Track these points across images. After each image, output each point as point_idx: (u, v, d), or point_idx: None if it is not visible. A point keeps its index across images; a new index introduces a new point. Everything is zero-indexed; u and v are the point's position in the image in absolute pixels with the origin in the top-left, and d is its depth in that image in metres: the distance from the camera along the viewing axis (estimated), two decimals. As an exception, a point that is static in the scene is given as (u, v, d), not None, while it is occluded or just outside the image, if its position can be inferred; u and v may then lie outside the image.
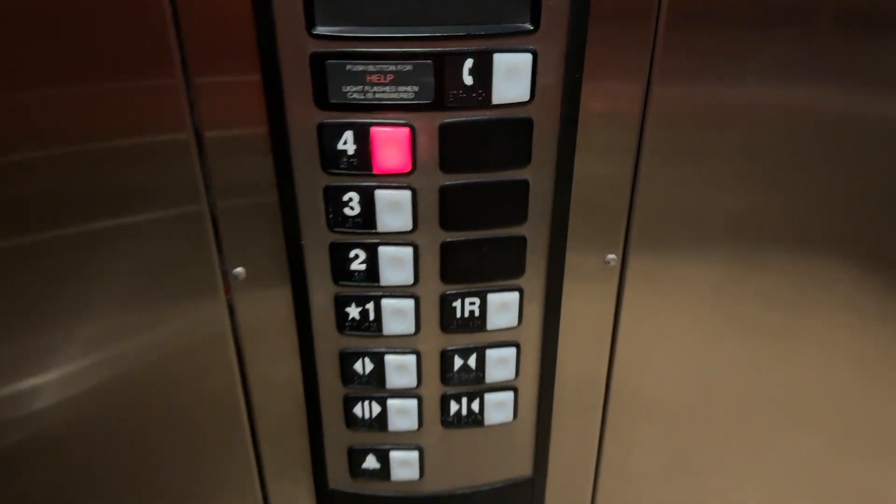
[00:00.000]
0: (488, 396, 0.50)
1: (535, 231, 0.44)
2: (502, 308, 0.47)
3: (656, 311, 0.50)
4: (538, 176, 0.42)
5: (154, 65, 0.39)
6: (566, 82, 0.40)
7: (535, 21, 0.37)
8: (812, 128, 0.45)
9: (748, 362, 0.53)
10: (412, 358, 0.48)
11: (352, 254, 0.44)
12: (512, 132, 0.41)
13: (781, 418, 0.56)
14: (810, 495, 0.60)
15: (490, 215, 0.43)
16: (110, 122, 0.41)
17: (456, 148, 0.41)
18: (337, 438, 0.52)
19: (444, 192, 0.42)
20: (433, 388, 0.50)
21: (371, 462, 0.52)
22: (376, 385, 0.49)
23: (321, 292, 0.46)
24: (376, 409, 0.50)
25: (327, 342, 0.48)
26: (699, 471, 0.58)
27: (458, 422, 0.51)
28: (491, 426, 0.52)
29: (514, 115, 0.40)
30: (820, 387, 0.55)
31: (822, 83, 0.44)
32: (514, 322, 0.48)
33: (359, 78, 0.38)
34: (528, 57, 0.38)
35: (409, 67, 0.38)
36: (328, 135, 0.40)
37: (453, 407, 0.50)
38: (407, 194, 0.42)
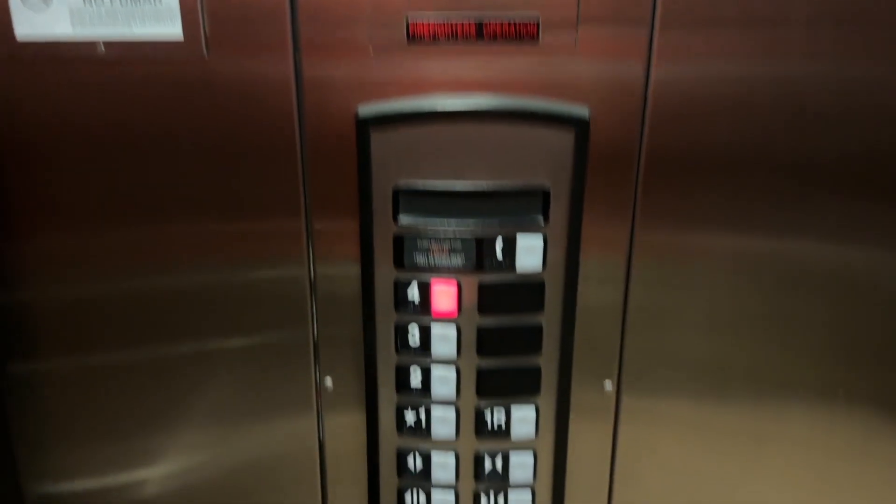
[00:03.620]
0: (511, 494, 0.63)
1: (547, 361, 0.60)
2: (522, 421, 0.61)
3: (648, 427, 0.63)
4: (549, 320, 0.58)
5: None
6: (568, 256, 0.57)
7: (546, 217, 0.55)
8: (766, 273, 0.58)
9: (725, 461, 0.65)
10: (452, 458, 0.62)
11: (411, 372, 0.60)
12: (530, 290, 0.57)
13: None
14: None
15: (514, 348, 0.59)
16: (241, 257, 0.58)
17: (490, 299, 0.57)
18: (390, 523, 0.65)
19: (480, 330, 0.58)
20: (468, 485, 0.63)
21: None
22: (424, 479, 0.63)
23: (387, 401, 0.61)
24: (423, 499, 0.64)
25: (388, 440, 0.62)
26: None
27: (486, 516, 0.64)
28: (513, 522, 0.64)
29: (531, 278, 0.57)
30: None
31: (782, 233, 0.57)
32: (532, 432, 0.62)
33: (425, 250, 0.56)
34: (541, 240, 0.56)
35: (459, 244, 0.56)
36: (401, 287, 0.57)
37: (483, 502, 0.63)
38: (453, 330, 0.58)
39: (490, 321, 0.58)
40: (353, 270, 0.58)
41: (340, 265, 0.58)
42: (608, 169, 0.55)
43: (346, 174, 0.55)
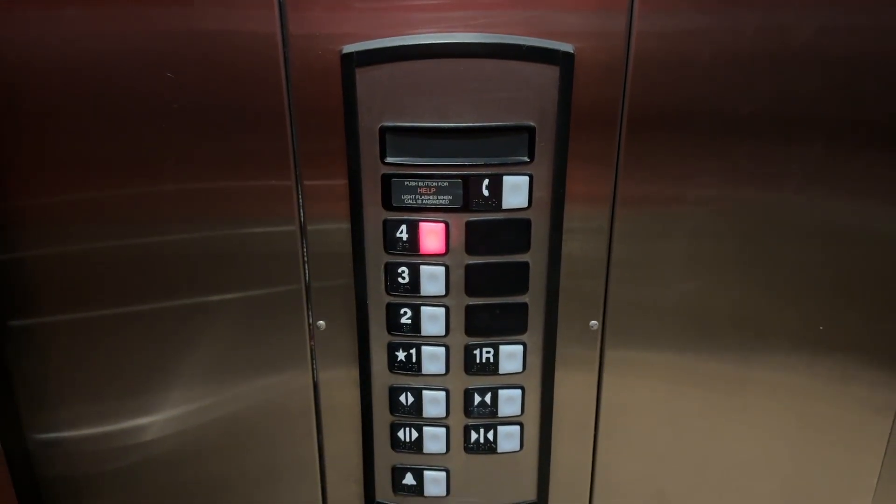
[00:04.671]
0: (500, 428, 0.65)
1: (534, 299, 0.61)
2: (510, 357, 0.63)
3: (632, 366, 0.65)
4: (535, 259, 0.59)
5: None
6: (553, 195, 0.57)
7: (531, 155, 0.56)
8: (748, 219, 0.59)
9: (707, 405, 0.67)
10: (442, 393, 0.64)
11: (402, 311, 0.61)
12: (516, 228, 0.58)
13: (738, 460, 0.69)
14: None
15: (501, 286, 0.60)
16: (233, 214, 0.59)
17: (477, 238, 0.58)
18: (384, 459, 0.67)
19: (468, 268, 0.59)
20: (458, 419, 0.65)
21: (409, 479, 0.67)
22: (415, 414, 0.65)
23: (378, 340, 0.63)
24: (414, 434, 0.66)
25: (380, 378, 0.64)
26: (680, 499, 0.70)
27: (476, 448, 0.66)
28: (503, 454, 0.66)
29: (518, 216, 0.58)
30: (765, 439, 0.68)
31: (763, 180, 0.58)
32: (520, 369, 0.63)
33: (413, 190, 0.57)
34: (526, 178, 0.56)
35: (446, 184, 0.56)
36: (390, 227, 0.58)
37: (473, 435, 0.65)
38: (442, 269, 0.59)
39: (478, 259, 0.59)
40: (344, 223, 0.59)
41: (331, 217, 0.59)
42: (591, 117, 0.55)
43: (333, 122, 0.55)
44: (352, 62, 0.52)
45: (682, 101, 0.55)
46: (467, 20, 0.53)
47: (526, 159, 0.56)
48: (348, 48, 0.52)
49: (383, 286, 0.60)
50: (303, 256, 0.60)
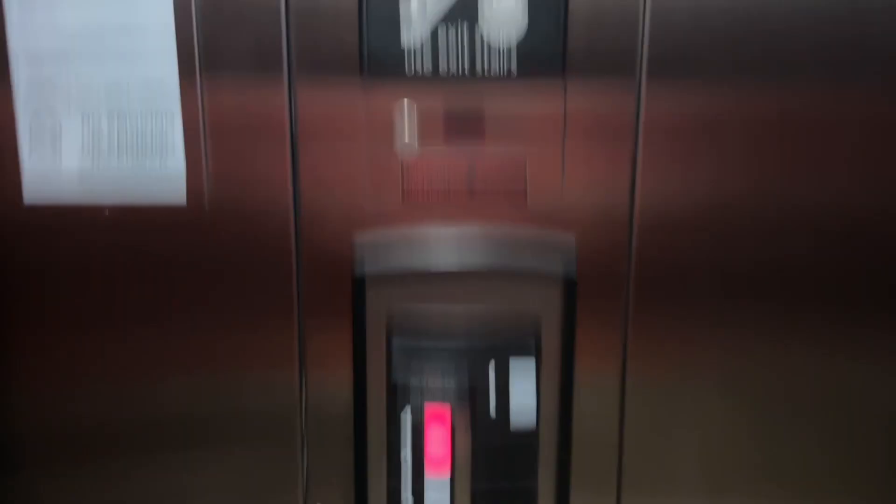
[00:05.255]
0: None
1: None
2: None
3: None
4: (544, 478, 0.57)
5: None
6: (561, 414, 0.57)
7: (538, 377, 0.56)
8: (759, 396, 0.58)
9: None
10: None
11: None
12: (523, 449, 0.56)
13: None
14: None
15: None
16: (233, 361, 0.58)
17: (483, 459, 0.56)
18: None
19: (474, 492, 0.56)
20: None
21: None
22: None
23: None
24: None
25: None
26: None
27: None
28: None
29: (525, 435, 0.55)
30: None
31: (772, 352, 0.57)
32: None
33: (418, 407, 0.55)
34: (533, 398, 0.55)
35: (452, 395, 0.55)
36: (394, 443, 0.56)
37: None
38: (447, 494, 0.56)
39: (484, 484, 0.56)
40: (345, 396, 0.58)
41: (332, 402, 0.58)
42: (597, 300, 0.56)
43: (341, 328, 0.56)
44: (363, 283, 0.54)
45: (685, 272, 0.56)
46: (474, 212, 0.55)
47: (533, 385, 0.56)
48: (360, 271, 0.55)
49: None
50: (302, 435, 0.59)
